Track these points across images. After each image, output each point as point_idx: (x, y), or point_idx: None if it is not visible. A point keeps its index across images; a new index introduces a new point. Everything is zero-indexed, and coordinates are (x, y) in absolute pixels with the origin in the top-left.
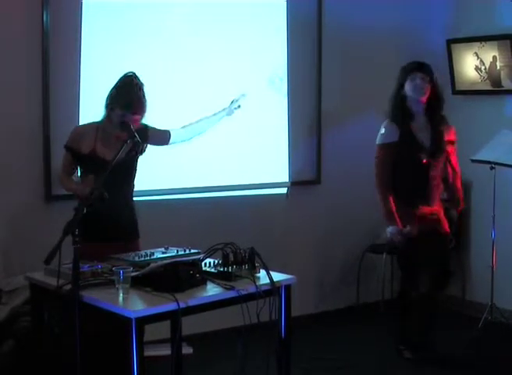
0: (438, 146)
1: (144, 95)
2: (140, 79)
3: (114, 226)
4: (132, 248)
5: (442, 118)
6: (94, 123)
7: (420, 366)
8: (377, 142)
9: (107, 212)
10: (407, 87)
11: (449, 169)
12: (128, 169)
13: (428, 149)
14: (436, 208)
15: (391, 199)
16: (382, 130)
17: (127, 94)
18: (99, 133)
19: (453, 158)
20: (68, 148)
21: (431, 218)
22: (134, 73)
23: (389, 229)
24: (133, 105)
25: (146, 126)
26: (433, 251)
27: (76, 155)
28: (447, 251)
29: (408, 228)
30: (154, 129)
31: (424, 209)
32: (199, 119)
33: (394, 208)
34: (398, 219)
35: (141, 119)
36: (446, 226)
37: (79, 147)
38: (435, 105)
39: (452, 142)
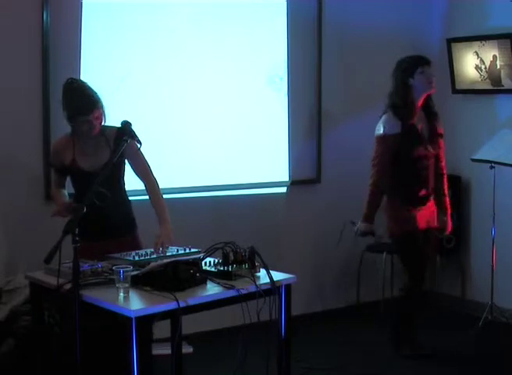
0: (435, 137)
1: (87, 91)
2: (79, 79)
3: (112, 224)
4: (132, 242)
5: (436, 113)
6: (69, 133)
7: (420, 365)
8: (378, 134)
9: (105, 211)
10: (418, 80)
11: (440, 162)
12: (121, 168)
13: (428, 140)
14: (433, 200)
15: (379, 198)
16: (384, 123)
17: (71, 103)
18: (76, 144)
19: (442, 152)
20: (51, 164)
21: (428, 213)
22: (70, 78)
23: (363, 226)
24: (82, 108)
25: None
26: (427, 246)
27: (60, 169)
28: (435, 247)
29: (380, 234)
30: (136, 150)
31: (427, 205)
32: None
33: (376, 210)
34: (373, 219)
35: (102, 112)
36: (436, 218)
37: (61, 161)
38: (430, 98)
39: (442, 135)
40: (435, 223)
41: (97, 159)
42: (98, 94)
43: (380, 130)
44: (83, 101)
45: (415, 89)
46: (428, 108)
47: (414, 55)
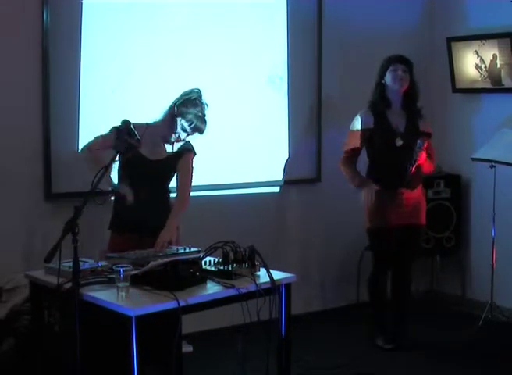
0: (412, 131)
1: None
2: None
3: (148, 221)
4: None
5: (418, 111)
6: (144, 123)
7: (420, 364)
8: (350, 128)
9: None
10: (388, 77)
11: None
12: (164, 172)
13: (403, 134)
14: (418, 193)
15: (354, 167)
16: (358, 118)
17: (200, 110)
18: (146, 134)
19: (431, 152)
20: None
21: (408, 210)
22: (201, 91)
23: (363, 191)
24: (200, 121)
25: (190, 149)
26: (405, 244)
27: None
28: (418, 245)
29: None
30: (189, 163)
31: (406, 194)
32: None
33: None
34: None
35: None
36: (423, 217)
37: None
38: (411, 97)
39: (429, 135)
40: (419, 220)
41: (156, 152)
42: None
43: (354, 124)
44: (202, 118)
45: (388, 87)
46: (409, 107)
47: (395, 54)
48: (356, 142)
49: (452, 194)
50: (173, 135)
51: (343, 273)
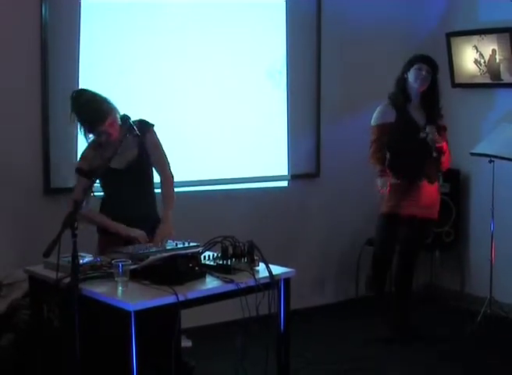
0: (432, 124)
1: (95, 104)
2: (85, 90)
3: (138, 217)
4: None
5: (438, 111)
6: (90, 145)
7: (419, 359)
8: (372, 123)
9: (133, 203)
10: (411, 75)
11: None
12: (140, 170)
13: (423, 127)
14: (435, 188)
15: (384, 163)
16: (379, 111)
17: (82, 118)
18: (99, 150)
19: (445, 144)
20: (81, 172)
21: (425, 203)
22: (75, 91)
23: (380, 180)
24: (95, 120)
25: (147, 125)
26: (414, 236)
27: (90, 174)
28: (426, 237)
29: (394, 180)
30: (156, 143)
31: (426, 186)
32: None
33: (386, 168)
34: (387, 173)
35: (114, 117)
36: (437, 210)
37: (90, 165)
38: (430, 98)
39: (444, 128)
40: (433, 214)
41: (125, 157)
42: (108, 99)
43: (375, 118)
44: (93, 115)
45: (408, 82)
46: (426, 107)
47: (422, 53)
48: (379, 135)
49: (451, 189)
50: (124, 135)
51: (343, 267)
